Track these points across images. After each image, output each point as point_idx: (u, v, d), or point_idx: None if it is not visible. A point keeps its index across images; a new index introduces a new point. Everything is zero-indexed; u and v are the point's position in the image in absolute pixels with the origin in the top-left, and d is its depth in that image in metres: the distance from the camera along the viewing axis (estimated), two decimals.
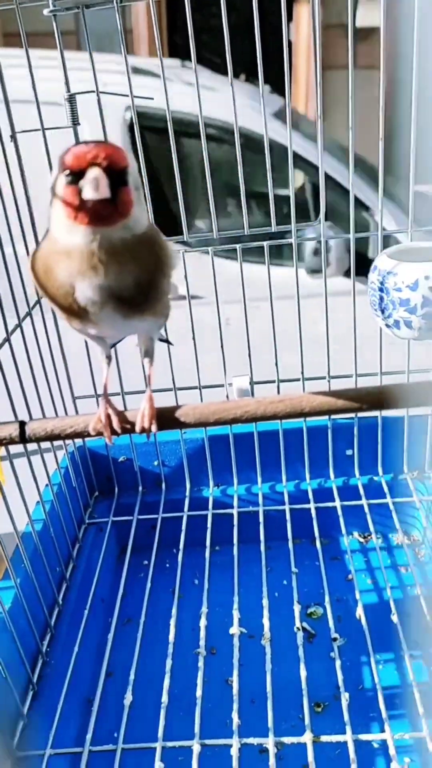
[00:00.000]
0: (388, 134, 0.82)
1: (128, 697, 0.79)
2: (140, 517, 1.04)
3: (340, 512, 1.01)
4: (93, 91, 0.81)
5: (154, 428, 0.61)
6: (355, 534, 1.04)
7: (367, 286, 0.82)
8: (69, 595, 0.93)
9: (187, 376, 1.01)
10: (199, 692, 0.78)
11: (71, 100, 0.81)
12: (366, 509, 1.01)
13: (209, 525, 1.01)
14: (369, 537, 1.03)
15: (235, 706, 0.76)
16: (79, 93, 0.81)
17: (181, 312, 0.94)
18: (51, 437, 0.62)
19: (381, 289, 0.79)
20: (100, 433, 0.62)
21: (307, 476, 1.07)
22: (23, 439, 0.62)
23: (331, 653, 0.86)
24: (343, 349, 0.97)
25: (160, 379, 1.00)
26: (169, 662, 0.82)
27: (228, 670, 0.83)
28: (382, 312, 0.80)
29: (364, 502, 1.02)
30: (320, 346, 0.98)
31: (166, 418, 0.61)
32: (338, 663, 0.81)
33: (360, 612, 0.87)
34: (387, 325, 0.80)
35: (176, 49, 4.41)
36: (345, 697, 0.77)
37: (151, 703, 0.78)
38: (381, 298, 0.79)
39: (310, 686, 0.78)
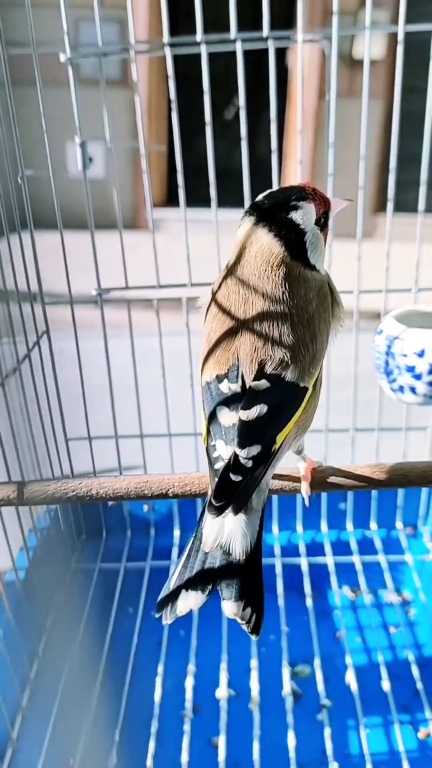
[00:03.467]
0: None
1: (112, 759, 0.77)
2: (128, 564, 1.02)
3: (332, 568, 1.00)
4: (104, 138, 0.80)
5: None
6: (345, 589, 1.03)
7: (372, 349, 0.82)
8: (52, 645, 0.90)
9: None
10: (184, 758, 0.76)
11: (83, 145, 0.79)
12: (358, 566, 1.00)
13: None
14: (359, 592, 1.02)
15: None
16: (90, 139, 0.80)
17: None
18: (50, 500, 0.60)
19: (387, 353, 0.78)
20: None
21: (300, 528, 1.06)
22: (21, 501, 0.60)
23: (318, 715, 0.84)
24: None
25: (157, 426, 0.98)
26: (154, 724, 0.80)
27: (214, 731, 0.81)
28: (387, 375, 0.79)
29: (356, 558, 1.01)
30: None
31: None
32: (326, 729, 0.80)
33: (349, 677, 0.86)
34: (391, 389, 0.80)
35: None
36: (333, 767, 0.76)
37: (136, 767, 0.76)
38: (387, 362, 0.78)
39: (296, 751, 0.77)
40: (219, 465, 0.51)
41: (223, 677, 0.86)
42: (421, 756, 0.80)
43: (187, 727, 0.80)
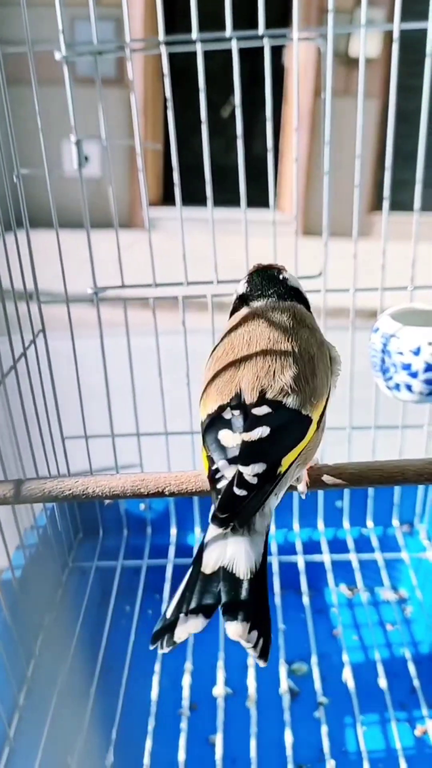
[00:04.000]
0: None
1: (109, 758, 0.77)
2: (125, 562, 1.02)
3: (328, 566, 1.00)
4: (99, 137, 0.80)
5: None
6: (342, 587, 1.03)
7: (368, 346, 0.82)
8: (50, 644, 0.90)
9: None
10: (181, 756, 0.76)
11: (78, 144, 0.79)
12: (354, 563, 1.00)
13: None
14: (356, 590, 1.02)
15: None
16: (86, 138, 0.80)
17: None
18: (47, 498, 0.60)
19: (383, 351, 0.78)
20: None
21: (296, 527, 1.06)
22: (18, 499, 0.60)
23: (315, 713, 0.84)
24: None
25: (153, 425, 0.98)
26: (151, 722, 0.80)
27: (211, 729, 0.81)
28: (383, 373, 0.79)
29: (352, 556, 1.01)
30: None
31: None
32: (323, 726, 0.80)
33: (346, 675, 0.86)
34: (387, 387, 0.80)
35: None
36: (330, 765, 0.76)
37: (133, 765, 0.76)
38: (383, 360, 0.79)
39: (294, 748, 0.77)
40: (222, 484, 0.50)
41: (220, 675, 0.86)
42: (418, 753, 0.80)
43: (184, 725, 0.80)
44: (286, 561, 1.01)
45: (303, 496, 0.63)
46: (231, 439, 0.52)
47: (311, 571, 1.00)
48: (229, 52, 0.80)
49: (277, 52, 5.54)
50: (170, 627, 0.49)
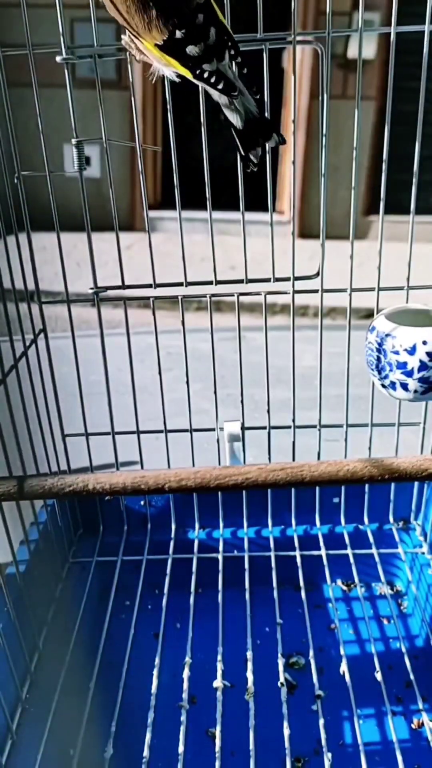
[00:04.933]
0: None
1: (109, 750, 0.78)
2: (125, 558, 1.03)
3: (325, 561, 1.01)
4: (100, 139, 0.81)
5: None
6: (339, 582, 1.04)
7: (364, 346, 0.83)
8: (51, 638, 0.92)
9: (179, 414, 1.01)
10: (181, 748, 0.77)
11: (79, 146, 0.80)
12: (351, 559, 1.02)
13: (194, 569, 1.01)
14: (352, 585, 1.04)
15: (218, 764, 0.76)
16: (86, 140, 0.81)
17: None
18: (48, 495, 0.62)
19: (379, 350, 0.80)
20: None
21: (293, 522, 1.07)
22: (21, 495, 0.61)
23: (313, 706, 0.86)
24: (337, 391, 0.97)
25: (153, 422, 1.00)
26: (151, 714, 0.81)
27: (210, 722, 0.83)
28: (379, 372, 0.81)
29: (349, 551, 1.02)
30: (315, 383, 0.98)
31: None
32: (320, 719, 0.81)
33: (343, 668, 0.87)
34: (383, 385, 0.81)
35: None
36: (328, 757, 0.77)
37: (133, 757, 0.77)
38: (378, 359, 0.80)
39: (291, 740, 0.78)
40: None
41: (219, 669, 0.88)
42: (414, 746, 0.82)
43: (183, 718, 0.82)
44: (284, 556, 1.03)
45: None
46: None
47: (308, 567, 1.01)
48: None
49: (276, 55, 5.56)
50: None
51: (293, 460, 0.94)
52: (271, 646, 0.92)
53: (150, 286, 0.91)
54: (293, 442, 0.99)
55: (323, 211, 0.88)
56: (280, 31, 0.80)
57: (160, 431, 1.00)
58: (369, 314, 0.90)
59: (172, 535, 1.07)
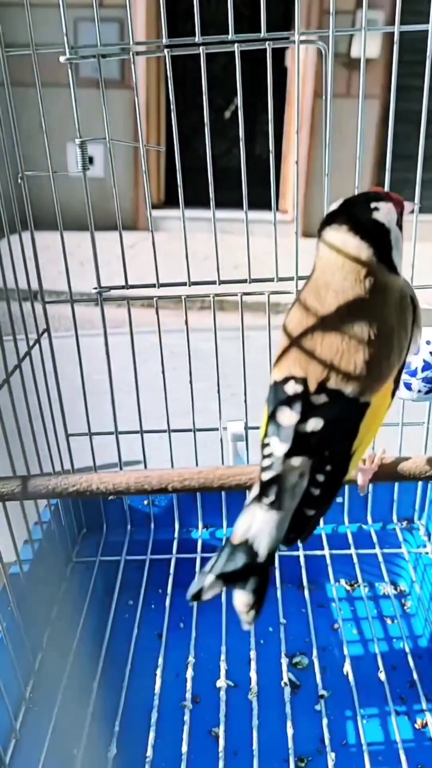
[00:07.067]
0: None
1: (112, 750, 0.78)
2: (128, 557, 1.04)
3: (328, 560, 1.01)
4: (103, 138, 0.81)
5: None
6: (342, 581, 1.04)
7: None
8: (54, 637, 0.92)
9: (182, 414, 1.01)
10: (184, 748, 0.78)
11: (82, 146, 0.81)
12: (354, 558, 1.02)
13: (197, 569, 1.01)
14: (356, 585, 1.03)
15: (221, 764, 0.76)
16: (90, 139, 0.81)
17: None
18: (52, 495, 0.62)
19: None
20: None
21: None
22: (25, 495, 0.62)
23: (316, 706, 0.86)
24: None
25: (156, 422, 1.00)
26: (154, 714, 0.81)
27: (213, 722, 0.83)
28: None
29: (352, 551, 1.02)
30: None
31: None
32: (324, 718, 0.81)
33: (346, 668, 0.87)
34: None
35: None
36: (331, 757, 0.77)
37: (136, 757, 0.77)
38: None
39: (295, 740, 0.78)
40: (267, 462, 0.52)
41: (223, 668, 0.88)
42: (418, 746, 0.82)
43: (186, 717, 0.82)
44: (287, 556, 1.03)
45: (362, 492, 0.64)
46: (287, 417, 0.53)
47: (312, 566, 1.01)
48: (231, 54, 0.81)
49: (280, 54, 5.56)
50: (201, 591, 0.51)
51: None
52: (274, 645, 0.92)
53: (153, 285, 0.91)
54: None
55: (326, 211, 0.88)
56: (284, 28, 0.80)
57: (164, 431, 1.00)
58: None
59: (176, 535, 1.07)
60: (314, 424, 0.53)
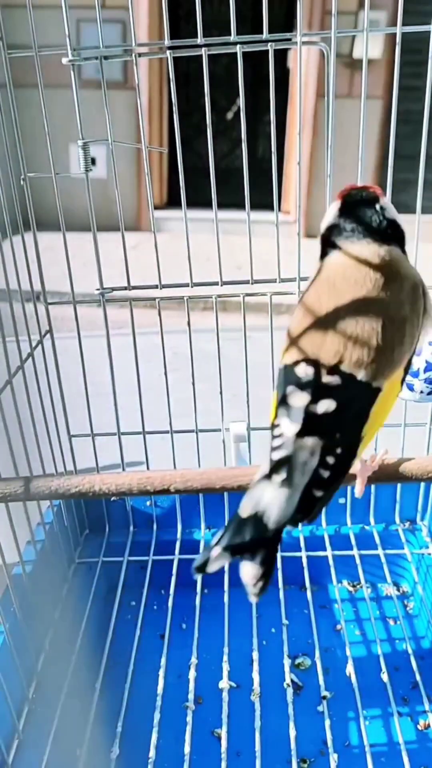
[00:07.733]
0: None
1: (115, 751, 0.78)
2: (131, 558, 1.04)
3: (331, 561, 1.01)
4: (106, 140, 0.82)
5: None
6: (345, 582, 1.04)
7: None
8: (57, 638, 0.92)
9: (184, 414, 1.01)
10: (187, 748, 0.78)
11: (85, 147, 0.81)
12: (357, 559, 1.01)
13: None
14: (358, 586, 1.03)
15: (224, 765, 0.76)
16: (92, 141, 0.81)
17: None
18: (55, 496, 0.62)
19: None
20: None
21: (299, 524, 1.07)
22: (28, 496, 0.62)
23: (319, 707, 0.86)
24: None
25: (159, 423, 1.00)
26: (157, 715, 0.81)
27: (216, 723, 0.83)
28: None
29: (355, 552, 1.02)
30: None
31: None
32: (326, 720, 0.81)
33: (349, 669, 0.87)
34: None
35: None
36: (333, 758, 0.77)
37: (139, 757, 0.77)
38: None
39: (297, 741, 0.78)
40: (278, 442, 0.53)
41: (225, 669, 0.88)
42: (420, 747, 0.81)
43: (189, 718, 0.82)
44: (290, 557, 1.03)
45: (358, 495, 0.64)
46: (298, 399, 0.53)
47: (314, 567, 1.01)
48: (233, 55, 0.81)
49: (282, 55, 5.56)
50: (206, 563, 0.51)
51: None
52: (276, 646, 0.92)
53: (156, 287, 0.91)
54: None
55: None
56: (287, 29, 0.80)
57: (166, 432, 1.00)
58: None
59: (178, 536, 1.07)
60: (326, 405, 0.53)
